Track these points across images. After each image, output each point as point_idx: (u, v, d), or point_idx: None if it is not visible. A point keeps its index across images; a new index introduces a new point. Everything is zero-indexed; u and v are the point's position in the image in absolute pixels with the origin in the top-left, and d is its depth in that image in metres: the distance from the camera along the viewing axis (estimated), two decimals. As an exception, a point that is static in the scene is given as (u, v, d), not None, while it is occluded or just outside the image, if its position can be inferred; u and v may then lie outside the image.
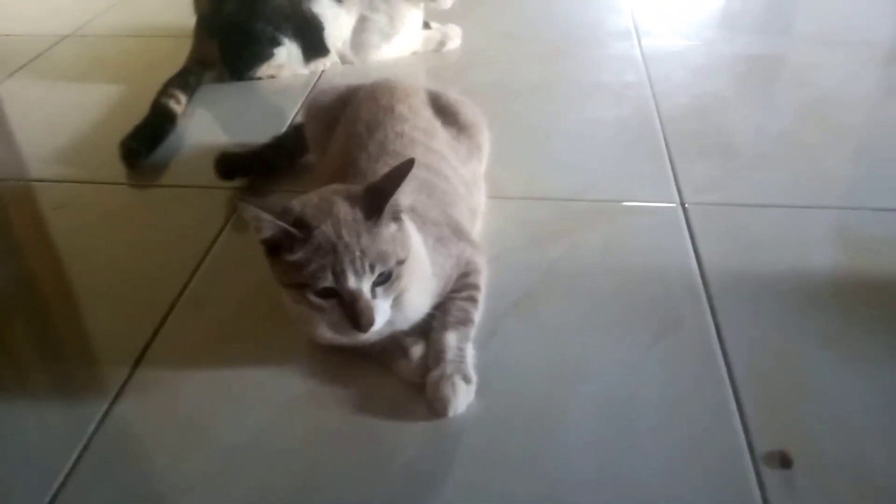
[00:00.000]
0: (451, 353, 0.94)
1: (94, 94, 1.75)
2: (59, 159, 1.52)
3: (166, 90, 1.63)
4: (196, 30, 1.77)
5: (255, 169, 1.39)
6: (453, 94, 1.24)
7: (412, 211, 1.00)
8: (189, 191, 1.40)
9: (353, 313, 0.84)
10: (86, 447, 0.91)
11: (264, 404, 0.96)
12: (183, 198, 1.39)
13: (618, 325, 1.06)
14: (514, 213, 1.30)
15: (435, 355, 0.95)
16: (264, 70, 1.77)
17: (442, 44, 1.93)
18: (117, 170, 1.46)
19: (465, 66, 1.88)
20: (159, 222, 1.34)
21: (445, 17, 1.96)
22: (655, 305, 1.09)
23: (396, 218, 0.87)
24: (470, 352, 0.96)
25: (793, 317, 1.07)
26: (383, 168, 1.04)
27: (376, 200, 0.85)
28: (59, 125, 1.65)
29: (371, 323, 0.85)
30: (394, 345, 0.97)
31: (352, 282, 0.84)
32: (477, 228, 1.20)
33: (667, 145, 1.49)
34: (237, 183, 1.39)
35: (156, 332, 1.08)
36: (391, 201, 0.85)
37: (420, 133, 1.11)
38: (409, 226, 0.93)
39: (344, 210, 0.85)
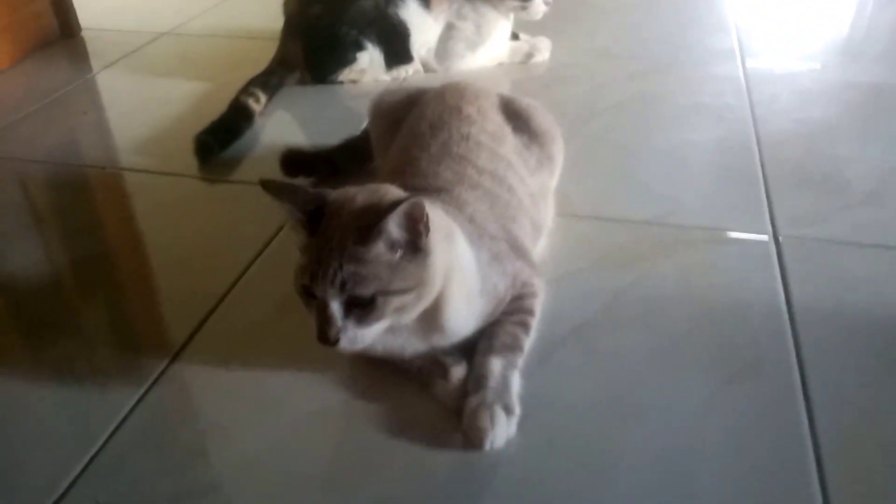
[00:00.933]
0: (493, 380, 0.86)
1: (180, 90, 1.78)
2: (137, 149, 1.54)
3: (247, 88, 1.63)
4: (282, 31, 1.77)
5: (321, 168, 1.36)
6: (527, 100, 1.17)
7: (470, 222, 0.93)
8: (255, 189, 1.37)
9: (319, 321, 0.79)
10: (111, 435, 0.89)
11: (292, 412, 0.90)
12: (247, 195, 1.37)
13: (687, 363, 0.95)
14: (583, 232, 1.21)
15: (476, 381, 0.87)
16: (346, 74, 1.75)
17: (529, 56, 1.85)
18: (190, 163, 1.46)
19: (551, 79, 1.80)
20: (221, 218, 1.32)
21: (536, 28, 1.88)
22: (732, 345, 0.98)
23: (398, 246, 0.79)
24: (515, 381, 0.88)
25: (888, 371, 0.93)
26: (445, 171, 0.98)
27: (367, 221, 0.78)
28: (143, 117, 1.68)
29: (334, 340, 0.78)
30: (433, 363, 0.90)
31: (319, 289, 0.78)
32: (540, 246, 1.12)
33: (764, 173, 1.36)
34: (300, 181, 1.36)
35: (200, 325, 1.06)
36: (379, 228, 0.77)
37: (487, 137, 1.04)
38: (458, 246, 0.87)
39: (350, 217, 0.80)
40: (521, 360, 0.91)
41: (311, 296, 0.80)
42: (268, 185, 0.82)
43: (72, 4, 2.10)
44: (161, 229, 1.31)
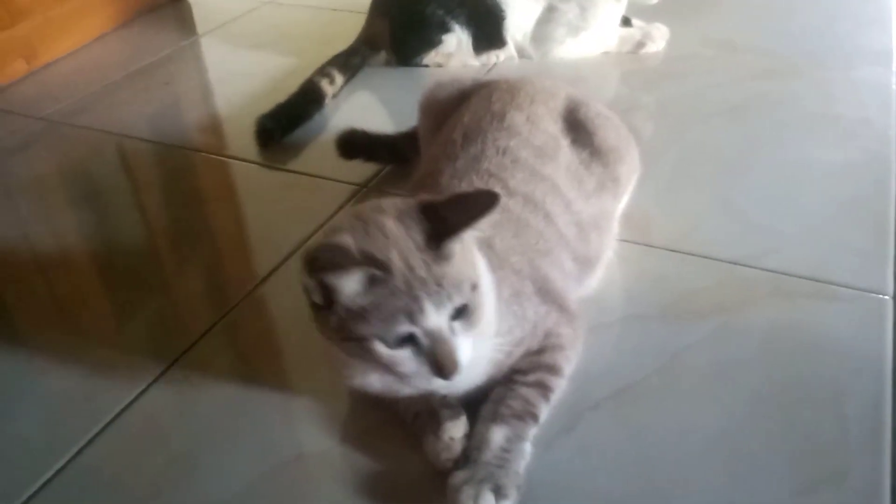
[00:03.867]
0: (489, 454, 0.72)
1: (266, 63, 1.72)
2: (204, 127, 1.50)
3: (324, 69, 1.54)
4: (370, 8, 1.66)
5: (381, 154, 1.27)
6: (597, 107, 0.99)
7: (490, 248, 0.78)
8: (308, 179, 1.30)
9: (437, 359, 0.67)
10: (79, 452, 0.83)
11: (271, 455, 0.80)
12: (299, 185, 1.28)
13: (752, 456, 0.77)
14: (653, 268, 1.02)
15: (471, 452, 0.73)
16: (431, 57, 1.62)
17: (641, 45, 1.64)
18: (251, 146, 1.39)
19: (661, 74, 1.58)
20: (267, 208, 1.25)
21: (653, 13, 1.66)
22: (815, 437, 0.78)
23: None
24: (519, 457, 0.73)
25: None
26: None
27: (440, 230, 0.68)
28: (222, 90, 1.65)
29: (457, 365, 0.68)
30: (429, 413, 0.77)
31: (432, 321, 0.66)
32: (594, 280, 0.95)
33: (898, 213, 1.11)
34: (356, 175, 1.27)
35: (209, 329, 0.99)
36: (456, 236, 0.67)
37: (530, 152, 0.88)
38: (473, 248, 0.74)
39: (398, 233, 0.68)
40: (532, 431, 0.76)
41: (402, 344, 0.68)
42: (317, 265, 0.67)
43: (180, -31, 2.09)
44: (201, 216, 1.25)
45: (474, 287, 0.69)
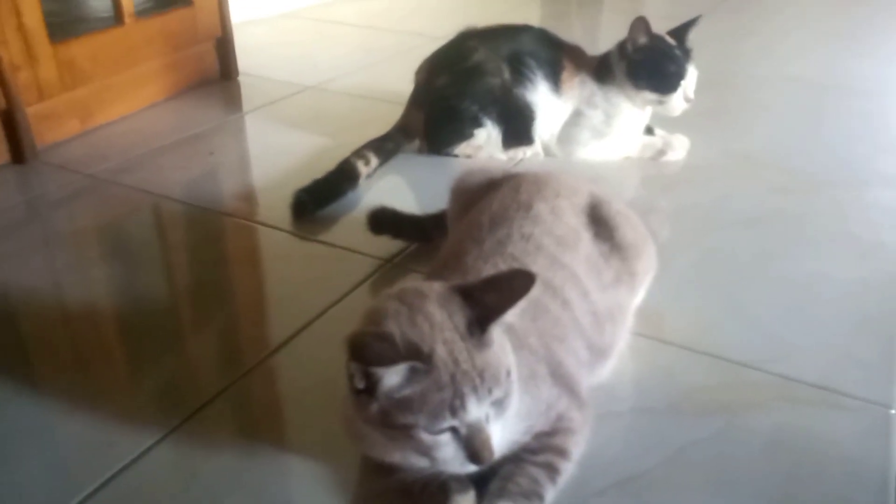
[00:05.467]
0: (495, 530, 0.73)
1: (304, 142, 1.81)
2: (242, 195, 1.57)
3: (360, 150, 1.61)
4: (409, 99, 1.76)
5: (408, 232, 1.34)
6: (618, 206, 1.04)
7: (509, 330, 0.81)
8: (335, 251, 1.35)
9: (474, 448, 0.70)
10: (86, 498, 0.84)
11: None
12: (328, 256, 1.34)
13: (748, 556, 0.77)
14: (663, 363, 1.05)
15: (476, 525, 0.74)
16: (462, 149, 1.70)
17: (661, 153, 1.71)
18: (286, 216, 1.46)
19: (680, 181, 1.64)
20: (291, 275, 1.30)
21: (676, 124, 1.74)
22: (813, 546, 0.78)
23: None
24: (524, 536, 0.74)
25: None
26: (490, 272, 0.87)
27: (481, 314, 0.71)
28: (261, 163, 1.73)
29: (493, 454, 0.70)
30: (438, 486, 0.78)
31: (473, 413, 0.69)
32: (605, 370, 0.98)
33: (908, 330, 1.13)
34: (382, 250, 1.32)
35: (224, 390, 1.01)
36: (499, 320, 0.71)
37: (551, 241, 0.93)
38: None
39: (442, 320, 0.71)
40: (537, 511, 0.77)
41: (444, 431, 0.70)
42: (365, 356, 0.69)
43: (233, 49, 2.22)
44: (227, 278, 1.31)
45: (509, 374, 0.72)
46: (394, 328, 0.70)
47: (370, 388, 0.70)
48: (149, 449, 0.91)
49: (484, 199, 1.04)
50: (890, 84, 2.24)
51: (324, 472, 0.87)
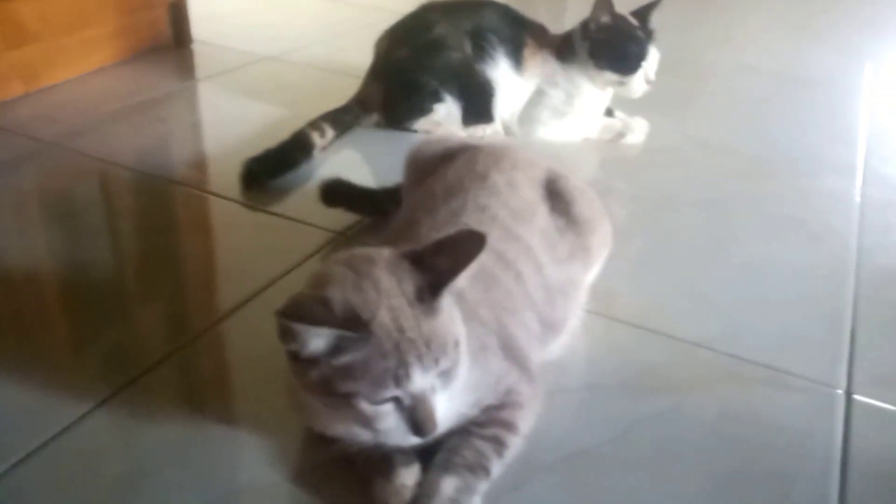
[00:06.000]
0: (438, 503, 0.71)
1: (259, 112, 1.76)
2: (193, 164, 1.53)
3: (316, 121, 1.58)
4: (368, 71, 1.72)
5: (362, 205, 1.30)
6: (576, 182, 1.03)
7: (461, 300, 0.80)
8: (286, 222, 1.31)
9: (417, 419, 0.68)
10: (18, 462, 0.81)
11: (211, 486, 0.79)
12: (277, 227, 1.30)
13: (694, 531, 0.77)
14: (616, 341, 1.05)
15: (419, 498, 0.73)
16: (421, 124, 1.67)
17: (621, 135, 1.71)
18: (236, 186, 1.41)
19: (638, 164, 1.64)
20: (240, 246, 1.26)
21: (636, 107, 1.74)
22: (757, 521, 0.79)
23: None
24: (470, 509, 0.72)
25: None
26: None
27: (432, 278, 0.69)
28: (214, 132, 1.68)
29: (436, 425, 0.69)
30: (381, 458, 0.76)
31: (418, 383, 0.67)
32: (557, 345, 0.97)
33: (854, 313, 1.14)
34: (335, 223, 1.29)
35: (168, 356, 0.98)
36: (449, 286, 0.69)
37: (507, 213, 0.91)
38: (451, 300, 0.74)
39: (390, 286, 0.69)
40: (483, 485, 0.75)
41: (387, 401, 0.68)
42: (292, 314, 0.67)
43: (187, 16, 2.15)
44: (176, 246, 1.27)
45: (457, 344, 0.70)
46: (336, 293, 0.68)
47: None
48: (87, 414, 0.87)
49: (439, 169, 1.01)
50: (842, 74, 2.28)
51: (268, 442, 0.84)
